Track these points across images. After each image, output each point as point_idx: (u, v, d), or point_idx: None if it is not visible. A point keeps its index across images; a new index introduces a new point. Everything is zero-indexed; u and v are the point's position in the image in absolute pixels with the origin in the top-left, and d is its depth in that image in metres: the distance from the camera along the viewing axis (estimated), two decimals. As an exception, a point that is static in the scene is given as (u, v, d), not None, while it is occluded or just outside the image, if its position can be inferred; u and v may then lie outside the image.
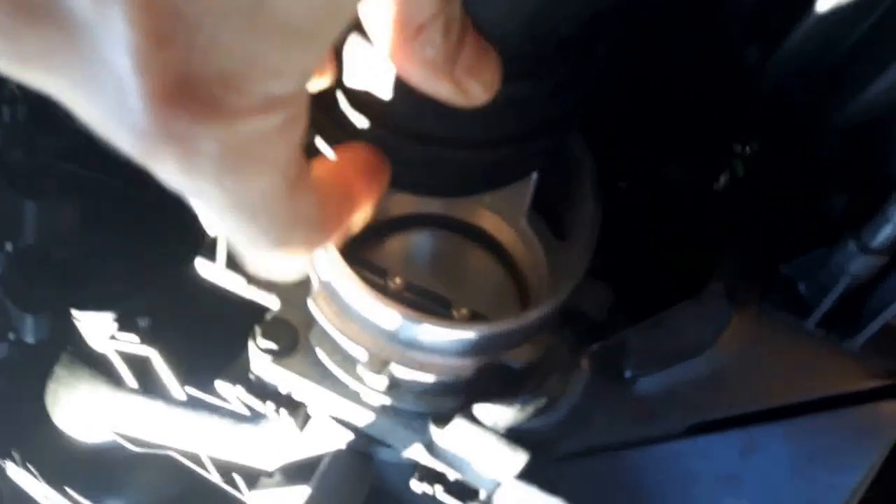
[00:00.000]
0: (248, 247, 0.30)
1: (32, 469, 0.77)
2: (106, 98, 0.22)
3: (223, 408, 0.66)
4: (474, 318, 0.58)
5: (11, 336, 0.86)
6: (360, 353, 0.52)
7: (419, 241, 0.64)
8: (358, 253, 0.53)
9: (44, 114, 0.77)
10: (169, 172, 0.24)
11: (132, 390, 0.69)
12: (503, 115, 0.49)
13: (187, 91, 0.22)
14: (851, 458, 0.51)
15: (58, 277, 0.77)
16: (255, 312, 0.61)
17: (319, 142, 0.58)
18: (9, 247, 0.81)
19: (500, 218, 0.64)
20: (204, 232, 0.59)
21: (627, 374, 0.51)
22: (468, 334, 0.50)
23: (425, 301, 0.58)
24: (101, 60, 0.21)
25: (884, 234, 0.45)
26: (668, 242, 0.68)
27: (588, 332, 0.57)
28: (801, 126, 0.57)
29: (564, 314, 0.57)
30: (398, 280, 0.56)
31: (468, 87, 0.37)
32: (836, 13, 0.46)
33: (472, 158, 0.53)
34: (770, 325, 0.53)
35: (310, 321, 0.57)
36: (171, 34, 0.21)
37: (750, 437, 0.51)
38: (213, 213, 0.27)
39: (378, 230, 0.62)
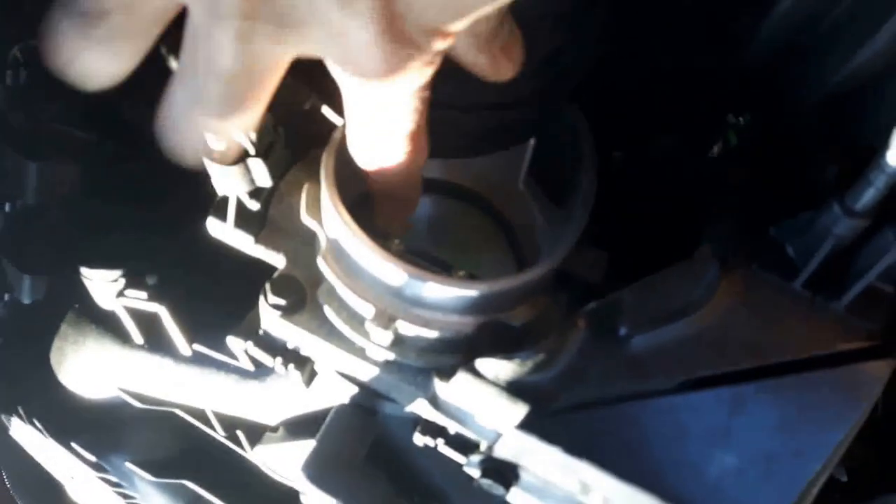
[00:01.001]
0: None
1: (38, 425, 0.80)
2: (354, 53, 0.34)
3: (229, 364, 0.69)
4: (472, 278, 0.62)
5: (6, 297, 0.89)
6: (366, 310, 0.55)
7: (418, 206, 0.67)
8: (361, 216, 0.56)
9: (46, 78, 0.79)
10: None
11: (139, 347, 0.72)
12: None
13: (407, 46, 0.34)
14: (836, 415, 0.54)
15: (57, 238, 0.79)
16: (261, 270, 0.64)
17: (326, 110, 0.60)
18: (7, 207, 0.83)
19: (497, 183, 0.67)
20: (210, 192, 0.61)
21: (621, 332, 0.54)
22: (469, 292, 0.54)
23: (425, 264, 0.62)
24: (347, 38, 0.33)
25: (867, 197, 0.49)
26: (663, 210, 0.71)
27: (583, 295, 0.61)
28: (789, 96, 0.60)
29: (561, 278, 0.60)
30: (398, 242, 0.59)
31: (501, 62, 0.42)
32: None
33: (469, 121, 0.56)
34: (758, 287, 0.56)
35: (317, 279, 0.60)
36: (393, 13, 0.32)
37: (739, 393, 0.54)
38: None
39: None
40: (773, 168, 0.63)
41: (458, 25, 0.36)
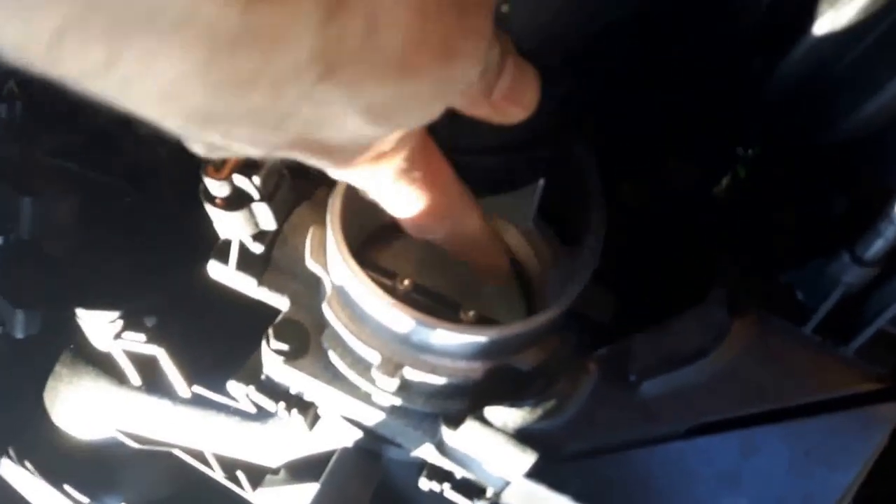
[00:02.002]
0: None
1: (29, 466, 0.80)
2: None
3: (230, 406, 0.69)
4: (481, 320, 0.62)
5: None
6: (373, 357, 0.56)
7: (426, 243, 0.67)
8: (366, 254, 0.56)
9: (41, 111, 0.79)
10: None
11: (136, 388, 0.71)
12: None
13: None
14: (846, 457, 0.55)
15: (52, 273, 0.79)
16: (262, 313, 0.64)
17: None
18: (0, 241, 0.83)
19: (506, 222, 0.68)
20: (211, 233, 0.62)
21: (632, 377, 0.54)
22: (479, 338, 0.54)
23: (433, 303, 0.62)
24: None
25: (876, 247, 0.50)
26: (672, 248, 0.71)
27: (592, 336, 0.61)
28: (802, 134, 0.60)
29: (570, 318, 0.61)
30: (406, 282, 0.59)
31: (506, 110, 0.42)
32: (837, 30, 0.50)
33: (477, 164, 0.56)
34: (769, 331, 0.57)
35: (320, 323, 0.61)
36: None
37: (749, 438, 0.55)
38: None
39: (385, 231, 0.65)
40: (785, 203, 0.63)
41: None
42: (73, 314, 0.76)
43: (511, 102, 0.44)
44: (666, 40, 0.62)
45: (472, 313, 0.61)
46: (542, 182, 0.64)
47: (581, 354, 0.60)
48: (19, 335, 0.80)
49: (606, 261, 0.61)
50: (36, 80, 0.77)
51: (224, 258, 0.62)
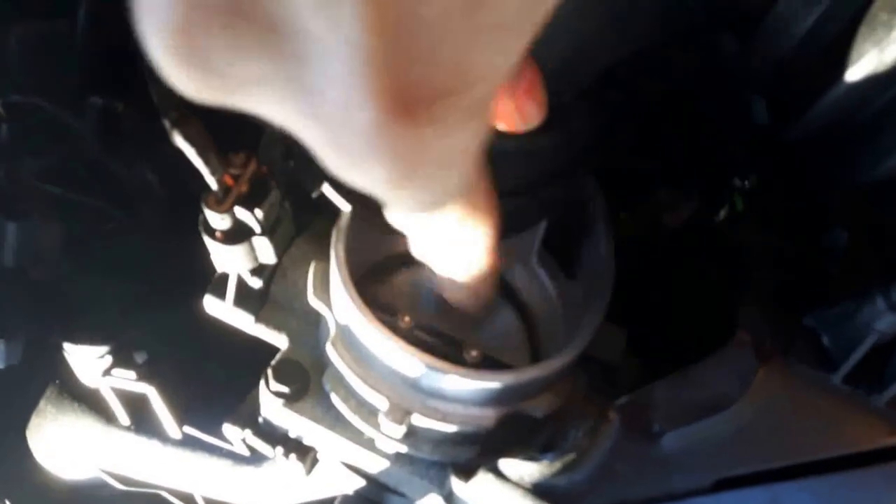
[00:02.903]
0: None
1: (9, 505, 0.77)
2: (329, 109, 0.24)
3: (222, 447, 0.66)
4: (485, 359, 0.60)
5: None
6: (380, 402, 0.53)
7: (427, 279, 0.65)
8: (364, 290, 0.54)
9: (28, 133, 0.77)
10: (378, 171, 0.28)
11: (124, 427, 0.68)
12: (517, 165, 0.51)
13: (410, 102, 0.25)
14: (879, 514, 0.53)
15: (36, 301, 0.76)
16: (259, 349, 0.61)
17: (327, 188, 0.59)
18: (-18, 268, 0.80)
19: (509, 256, 0.66)
20: (204, 264, 0.59)
21: (655, 428, 0.52)
22: (492, 384, 0.52)
23: (436, 341, 0.59)
24: (326, 73, 0.23)
25: (913, 293, 0.48)
26: (677, 282, 0.69)
27: (602, 375, 0.59)
28: (824, 177, 0.59)
29: (579, 358, 0.59)
30: (407, 319, 0.57)
31: (526, 107, 0.40)
32: (861, 83, 0.48)
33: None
34: (796, 380, 0.54)
35: (320, 362, 0.58)
36: (398, 45, 0.24)
37: (775, 493, 0.53)
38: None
39: (385, 267, 0.62)
40: (783, 233, 0.62)
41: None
42: (59, 347, 0.73)
43: (529, 97, 0.42)
44: (674, 79, 0.60)
45: (474, 353, 0.59)
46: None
47: (592, 395, 0.58)
48: (0, 365, 0.77)
49: (613, 297, 0.59)
50: (23, 102, 0.74)
51: (221, 293, 0.59)
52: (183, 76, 0.26)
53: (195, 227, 0.56)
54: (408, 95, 0.25)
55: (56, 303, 0.75)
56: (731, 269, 0.64)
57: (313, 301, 0.56)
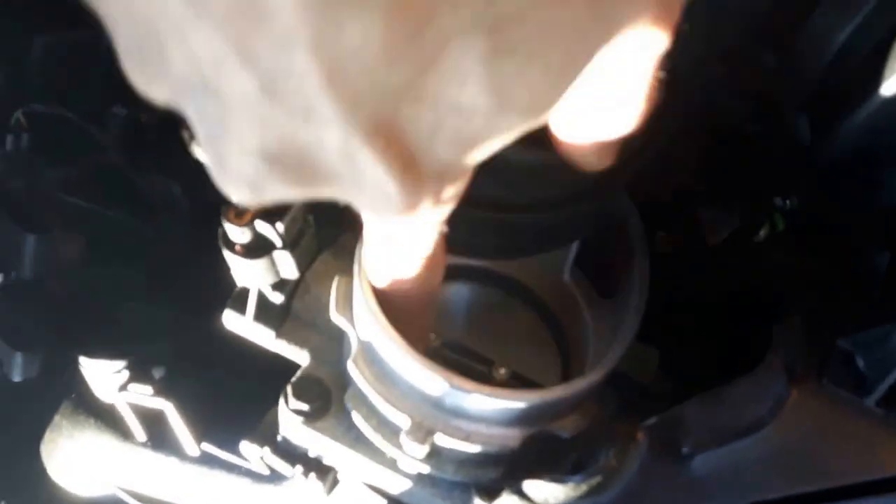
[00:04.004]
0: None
1: (22, 522, 0.76)
2: (373, 198, 0.33)
3: (240, 465, 0.66)
4: (515, 378, 0.59)
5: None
6: (402, 421, 0.53)
7: (456, 294, 0.64)
8: None
9: (48, 144, 0.77)
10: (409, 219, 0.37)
11: (141, 444, 0.68)
12: (550, 179, 0.50)
13: (423, 188, 0.33)
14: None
15: (54, 315, 0.77)
16: (278, 365, 0.61)
17: None
18: (1, 279, 0.80)
19: (540, 272, 0.65)
20: (225, 278, 0.59)
21: (684, 450, 0.51)
22: (518, 404, 0.51)
23: (464, 359, 0.59)
24: (365, 185, 0.31)
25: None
26: (711, 301, 0.69)
27: (633, 395, 0.58)
28: (855, 198, 0.58)
29: (609, 377, 0.58)
30: (433, 336, 0.57)
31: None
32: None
33: (520, 222, 0.54)
34: (830, 402, 0.54)
35: (342, 380, 0.58)
36: (407, 162, 0.31)
37: (809, 518, 0.51)
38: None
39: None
40: (824, 255, 0.61)
41: (474, 161, 0.36)
42: (76, 361, 0.73)
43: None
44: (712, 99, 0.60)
45: (503, 370, 0.58)
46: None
47: (622, 416, 0.57)
48: (16, 378, 0.77)
49: (645, 314, 0.58)
50: (44, 113, 0.74)
51: (241, 308, 0.59)
52: (240, 200, 0.32)
53: (216, 240, 0.56)
54: (427, 192, 0.33)
55: (74, 316, 0.75)
56: (766, 289, 0.63)
57: (336, 317, 0.56)
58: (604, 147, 0.40)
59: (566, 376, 0.64)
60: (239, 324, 0.59)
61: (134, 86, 0.30)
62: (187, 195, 0.71)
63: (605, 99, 0.36)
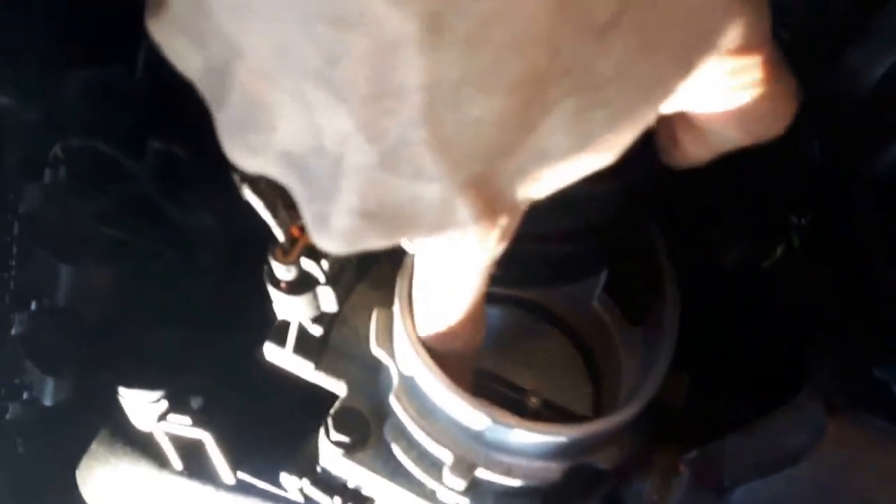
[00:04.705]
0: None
1: (57, 548, 0.77)
2: (450, 237, 0.35)
3: (276, 494, 0.66)
4: (547, 406, 0.59)
5: (25, 395, 0.86)
6: (444, 455, 0.53)
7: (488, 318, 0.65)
8: None
9: (86, 176, 0.78)
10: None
11: (177, 471, 0.69)
12: (576, 210, 0.51)
13: (496, 224, 0.35)
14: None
15: (87, 341, 0.77)
16: (314, 394, 0.62)
17: None
18: (33, 305, 0.81)
19: (569, 298, 0.66)
20: (259, 307, 0.60)
21: (725, 483, 0.52)
22: (559, 438, 0.51)
23: (496, 386, 0.59)
24: (447, 227, 0.33)
25: None
26: (741, 328, 0.69)
27: (665, 419, 0.58)
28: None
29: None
30: None
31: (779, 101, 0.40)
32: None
33: (547, 252, 0.54)
34: (867, 433, 0.54)
35: (380, 410, 0.58)
36: (489, 201, 0.33)
37: (850, 552, 0.52)
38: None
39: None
40: (840, 273, 0.61)
41: (542, 196, 0.37)
42: (111, 388, 0.74)
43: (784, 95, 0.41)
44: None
45: (535, 399, 0.59)
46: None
47: (657, 445, 0.57)
48: (47, 402, 0.78)
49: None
50: (81, 146, 0.75)
51: (281, 340, 0.60)
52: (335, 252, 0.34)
53: (252, 270, 0.57)
54: (498, 227, 0.36)
55: (108, 342, 0.76)
56: (800, 316, 0.63)
57: (376, 350, 0.56)
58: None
59: (598, 403, 0.64)
60: (279, 356, 0.60)
61: (230, 158, 0.31)
62: (221, 226, 0.72)
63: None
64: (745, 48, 0.34)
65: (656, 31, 0.30)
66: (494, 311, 0.66)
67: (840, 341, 0.56)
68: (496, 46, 0.26)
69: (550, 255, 0.55)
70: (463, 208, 0.32)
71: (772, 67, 0.37)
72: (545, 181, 0.34)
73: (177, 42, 0.30)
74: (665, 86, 0.33)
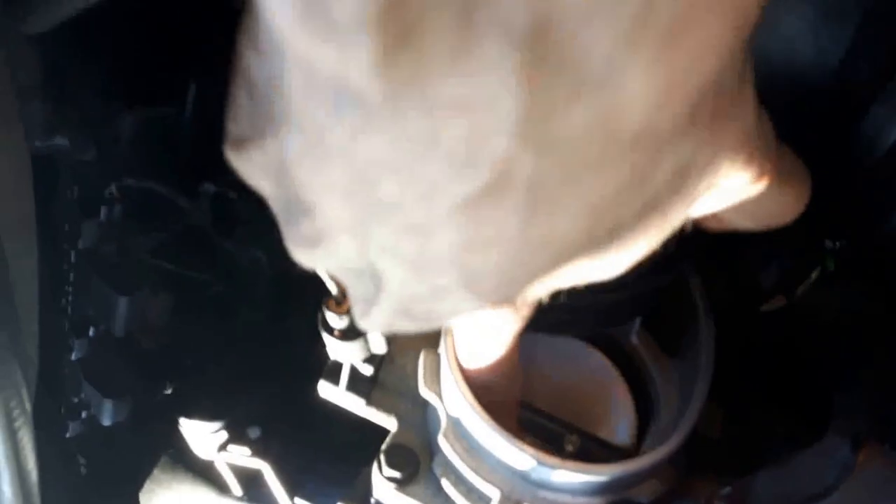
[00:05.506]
0: None
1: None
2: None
3: (331, 521, 0.70)
4: (587, 439, 0.62)
5: (84, 414, 0.91)
6: (491, 492, 0.57)
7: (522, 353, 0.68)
8: None
9: (140, 214, 0.82)
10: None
11: (237, 498, 0.73)
12: None
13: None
14: None
15: (144, 367, 0.82)
16: (366, 425, 0.65)
17: None
18: (92, 332, 0.85)
19: (609, 333, 0.68)
20: (312, 342, 0.63)
21: (757, 518, 0.54)
22: (602, 477, 0.55)
23: (537, 419, 0.62)
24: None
25: None
26: (769, 360, 0.71)
27: (700, 451, 0.61)
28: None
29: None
30: None
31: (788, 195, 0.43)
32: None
33: (592, 303, 0.57)
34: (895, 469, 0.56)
35: (429, 444, 0.62)
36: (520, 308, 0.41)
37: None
38: None
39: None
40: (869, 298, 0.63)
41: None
42: (170, 414, 0.78)
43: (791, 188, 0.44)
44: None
45: (575, 436, 0.61)
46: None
47: (693, 477, 0.60)
48: (106, 422, 0.82)
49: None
50: (137, 186, 0.78)
51: (334, 379, 0.63)
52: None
53: (303, 305, 0.60)
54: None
55: (164, 370, 0.80)
56: (826, 349, 0.66)
57: (424, 392, 0.60)
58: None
59: (639, 432, 0.67)
60: (332, 393, 0.64)
61: (294, 258, 0.35)
62: (273, 262, 0.76)
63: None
64: (751, 182, 0.37)
65: None
66: (533, 341, 0.68)
67: (869, 374, 0.58)
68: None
69: (586, 304, 0.57)
70: (491, 310, 0.35)
71: (778, 178, 0.39)
72: (566, 280, 0.37)
73: (253, 174, 0.33)
74: (670, 219, 0.35)
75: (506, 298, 0.34)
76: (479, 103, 0.24)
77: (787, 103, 0.55)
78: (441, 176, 0.27)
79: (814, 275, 0.74)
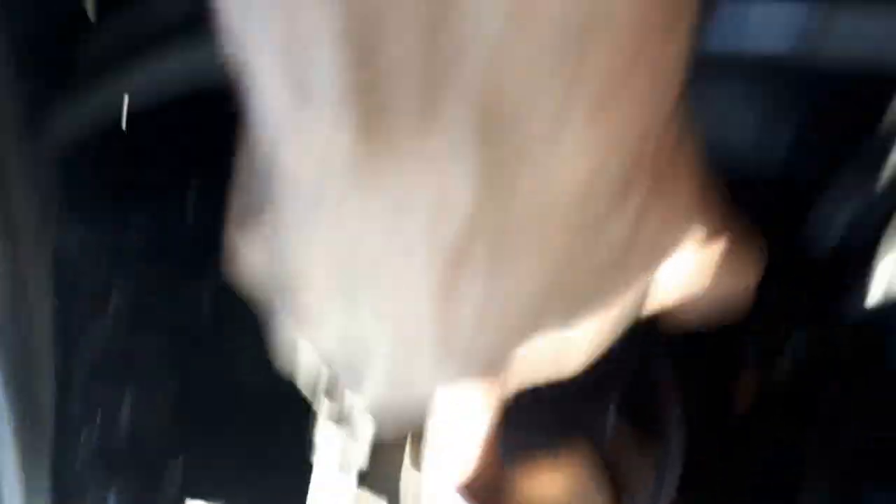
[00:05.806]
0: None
1: None
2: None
3: None
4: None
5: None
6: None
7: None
8: None
9: (144, 310, 0.85)
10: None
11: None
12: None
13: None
14: None
15: (149, 463, 0.84)
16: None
17: None
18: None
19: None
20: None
21: None
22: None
23: None
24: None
25: None
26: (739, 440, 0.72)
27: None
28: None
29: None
30: None
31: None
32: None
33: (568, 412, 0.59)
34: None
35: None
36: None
37: None
38: None
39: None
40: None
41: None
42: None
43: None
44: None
45: None
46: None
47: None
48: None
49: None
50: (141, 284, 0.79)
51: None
52: None
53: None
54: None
55: (169, 464, 0.83)
56: (796, 435, 0.67)
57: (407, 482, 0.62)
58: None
59: None
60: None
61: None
62: (273, 356, 0.78)
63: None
64: (702, 244, 0.38)
65: None
66: None
67: (831, 462, 0.60)
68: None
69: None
70: (467, 385, 0.39)
71: (729, 245, 0.40)
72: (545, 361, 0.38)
73: (245, 278, 0.36)
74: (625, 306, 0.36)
75: (479, 363, 0.36)
76: (441, 178, 0.27)
77: (736, 198, 0.58)
78: (416, 237, 0.29)
79: (786, 364, 0.75)
